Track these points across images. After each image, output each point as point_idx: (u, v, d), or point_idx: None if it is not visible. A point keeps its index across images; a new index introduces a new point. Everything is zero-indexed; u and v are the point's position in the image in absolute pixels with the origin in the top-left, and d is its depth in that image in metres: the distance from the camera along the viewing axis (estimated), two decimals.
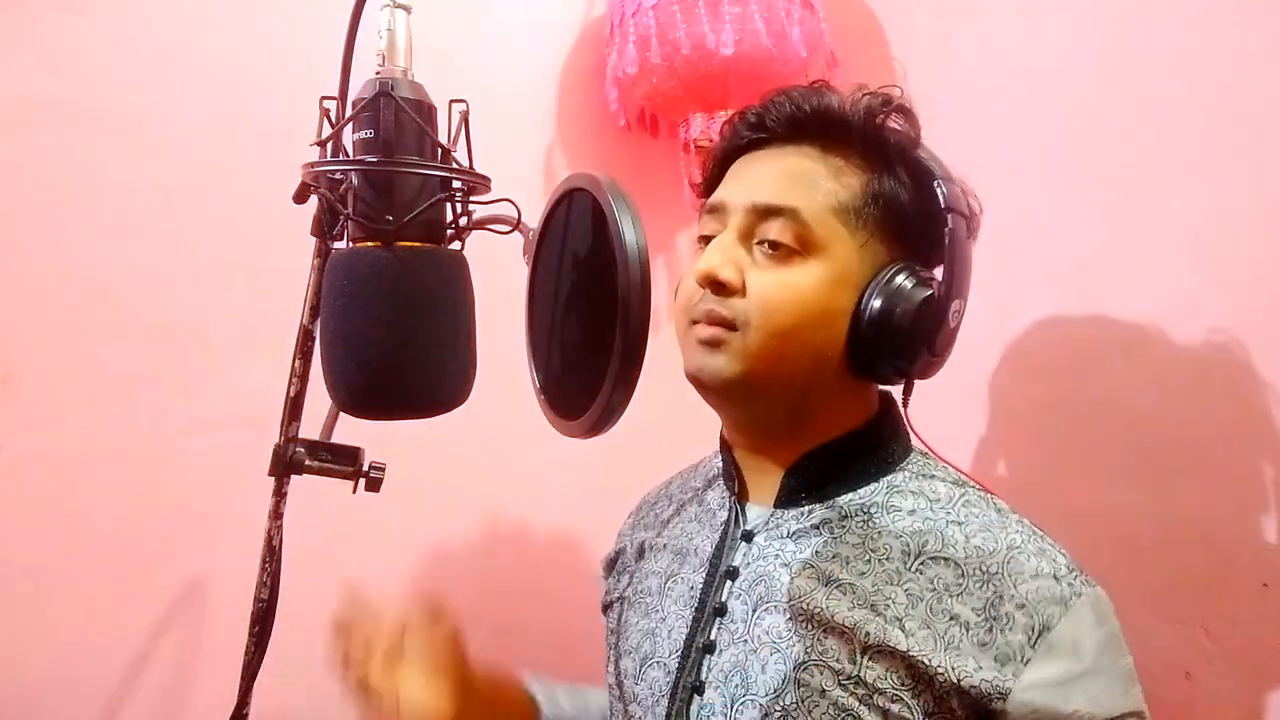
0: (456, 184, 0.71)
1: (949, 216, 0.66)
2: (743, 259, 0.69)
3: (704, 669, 0.69)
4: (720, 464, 0.80)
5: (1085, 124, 1.03)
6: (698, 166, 1.30)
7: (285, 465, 0.76)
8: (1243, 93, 0.90)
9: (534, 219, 0.76)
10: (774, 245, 0.68)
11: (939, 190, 0.67)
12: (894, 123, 0.70)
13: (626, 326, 0.60)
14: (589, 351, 0.66)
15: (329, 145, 0.69)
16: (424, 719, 0.70)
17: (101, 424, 1.01)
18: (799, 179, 0.69)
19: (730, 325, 0.67)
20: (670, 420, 1.33)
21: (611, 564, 0.89)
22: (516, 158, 1.28)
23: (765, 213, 0.68)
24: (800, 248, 0.67)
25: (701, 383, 0.70)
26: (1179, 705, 0.91)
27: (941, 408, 1.17)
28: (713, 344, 0.68)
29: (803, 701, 0.63)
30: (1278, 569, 0.86)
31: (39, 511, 0.99)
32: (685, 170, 1.30)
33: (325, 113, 0.70)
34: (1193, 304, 0.92)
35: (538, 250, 0.76)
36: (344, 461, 0.77)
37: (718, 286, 0.68)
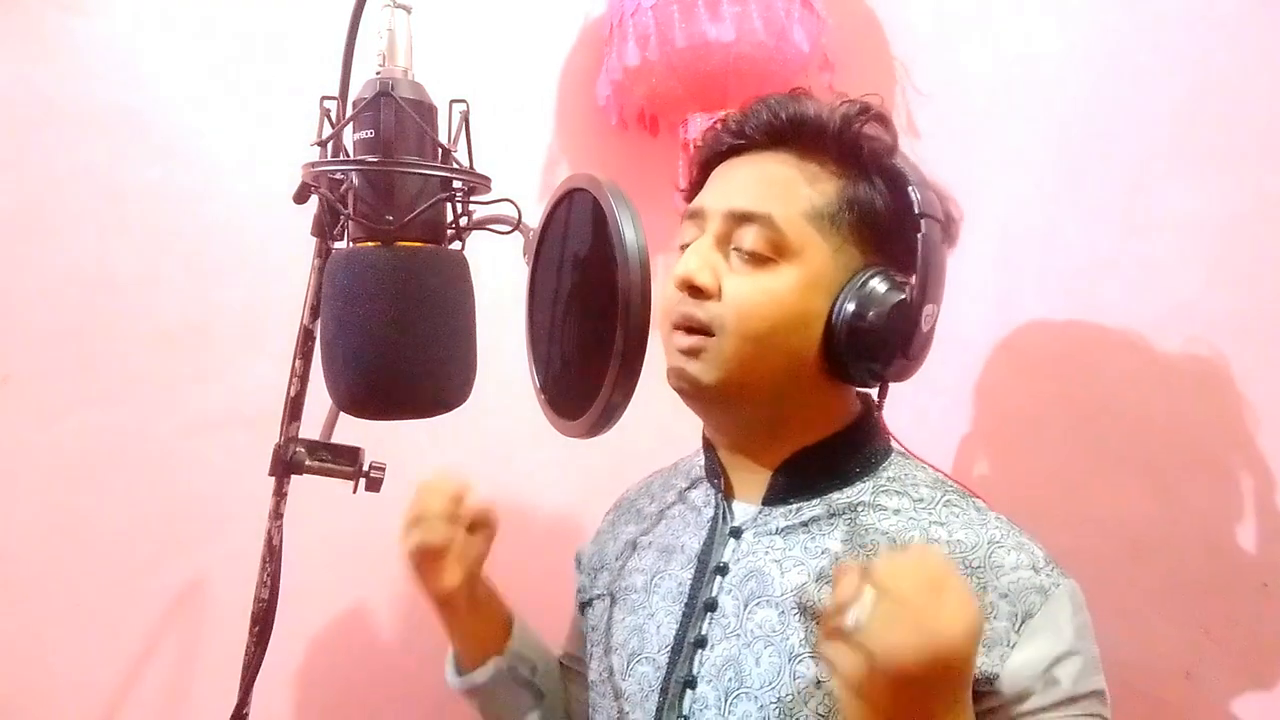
0: (457, 184, 0.71)
1: (922, 222, 0.67)
2: (719, 264, 0.70)
3: (696, 663, 0.70)
4: (703, 462, 0.81)
5: (1085, 124, 1.03)
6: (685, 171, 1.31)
7: (285, 465, 0.76)
8: (1243, 93, 0.90)
9: (534, 219, 0.76)
10: (749, 251, 0.69)
11: (913, 195, 0.68)
12: (871, 130, 0.71)
13: (626, 326, 0.60)
14: (589, 351, 0.66)
15: (329, 145, 0.69)
16: (435, 588, 0.77)
17: (101, 424, 1.01)
18: (774, 185, 0.70)
19: (706, 329, 0.69)
20: (670, 420, 1.33)
21: (587, 563, 0.89)
22: (516, 158, 1.28)
23: (741, 218, 0.70)
24: (775, 253, 0.69)
25: (681, 390, 0.72)
26: (1179, 705, 0.91)
27: (941, 407, 1.18)
28: (690, 353, 0.69)
29: (799, 693, 0.65)
30: (1278, 569, 0.86)
31: (39, 511, 0.99)
32: (684, 170, 1.31)
33: (325, 113, 0.70)
34: (1193, 304, 0.92)
35: (538, 250, 0.76)
36: (344, 461, 0.77)
37: (694, 290, 0.69)
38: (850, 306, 0.68)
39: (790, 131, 0.72)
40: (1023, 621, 0.63)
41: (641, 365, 0.62)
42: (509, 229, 0.76)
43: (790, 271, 0.68)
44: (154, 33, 1.03)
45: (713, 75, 1.19)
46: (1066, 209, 1.04)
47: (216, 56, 1.07)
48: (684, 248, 0.74)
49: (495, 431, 1.20)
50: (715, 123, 0.78)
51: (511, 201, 0.74)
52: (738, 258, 0.70)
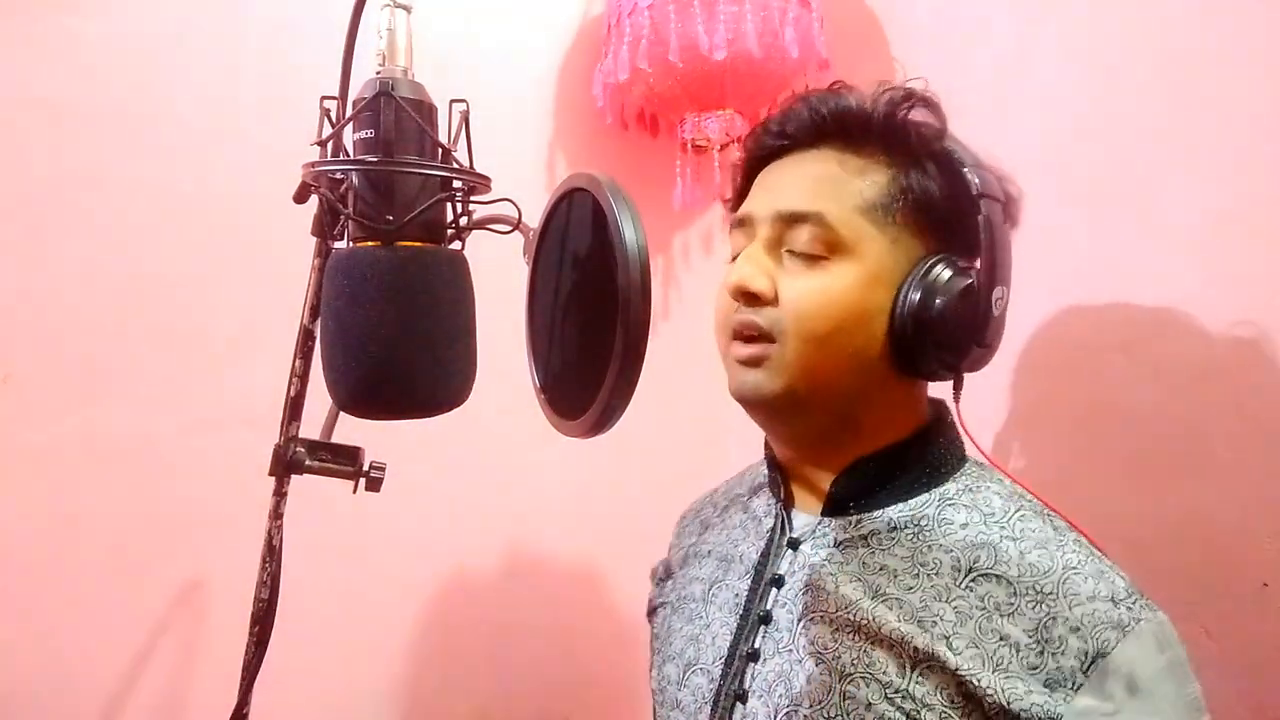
0: (457, 184, 0.71)
1: (982, 203, 0.65)
2: (772, 268, 0.68)
3: (748, 677, 0.69)
4: (766, 471, 0.79)
5: (1085, 123, 1.03)
6: (692, 165, 1.31)
7: (285, 465, 0.76)
8: (1243, 92, 0.90)
9: (534, 219, 0.76)
10: (803, 252, 0.67)
11: (969, 177, 0.66)
12: (918, 115, 0.69)
13: (626, 326, 0.60)
14: (589, 351, 0.66)
15: (329, 145, 0.69)
16: None
17: (101, 424, 1.01)
18: (822, 182, 0.69)
19: (767, 337, 0.67)
20: (671, 420, 1.33)
21: (660, 576, 0.88)
22: (516, 158, 1.28)
23: (791, 220, 0.68)
24: (829, 251, 0.67)
25: (746, 400, 0.69)
26: None
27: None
28: (752, 362, 0.67)
29: (848, 714, 0.62)
30: (1278, 569, 0.86)
31: (38, 511, 0.99)
32: (681, 170, 1.31)
33: (325, 112, 0.70)
34: (1193, 303, 0.92)
35: (538, 250, 0.76)
36: (344, 461, 0.77)
37: (750, 298, 0.67)
38: (915, 296, 0.65)
39: (833, 126, 0.70)
40: (1093, 662, 0.58)
41: (641, 365, 0.62)
42: (509, 229, 0.76)
43: (847, 268, 0.66)
44: (154, 33, 1.03)
45: (709, 75, 1.19)
46: (1066, 209, 1.04)
47: (217, 56, 1.07)
48: (734, 256, 0.72)
49: (495, 431, 1.20)
50: (755, 127, 0.76)
51: (511, 201, 0.74)
52: (791, 260, 0.68)
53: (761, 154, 0.75)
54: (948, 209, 0.68)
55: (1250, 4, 0.89)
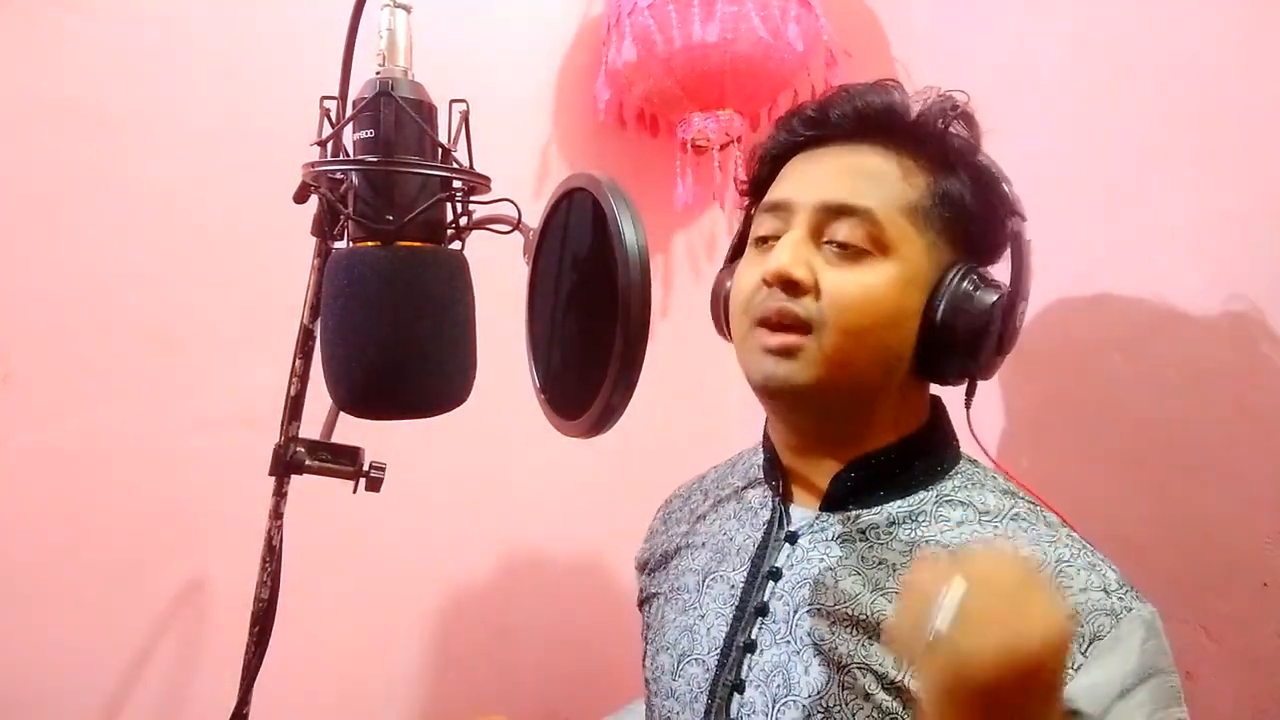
0: (457, 184, 0.71)
1: (1013, 220, 0.67)
2: (813, 258, 0.67)
3: (744, 667, 0.69)
4: (761, 461, 0.79)
5: (1085, 123, 1.03)
6: (692, 165, 1.31)
7: (285, 465, 0.76)
8: (1243, 92, 0.90)
9: (534, 219, 0.76)
10: (844, 245, 0.67)
11: (1008, 192, 0.68)
12: (956, 128, 0.70)
13: (626, 326, 0.60)
14: (589, 351, 0.66)
15: (329, 145, 0.69)
16: None
17: (101, 424, 1.01)
18: (870, 178, 0.68)
19: (805, 327, 0.66)
20: (671, 420, 1.33)
21: (644, 564, 0.88)
22: (516, 158, 1.28)
23: (837, 211, 0.67)
24: (872, 248, 0.67)
25: (770, 391, 0.69)
26: None
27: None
28: (784, 352, 0.66)
29: (846, 704, 0.63)
30: (1278, 569, 0.86)
31: (39, 511, 0.99)
32: (681, 170, 1.31)
33: (325, 113, 0.70)
34: (1193, 303, 0.92)
35: (538, 250, 0.76)
36: (344, 461, 0.77)
37: (790, 285, 0.66)
38: (951, 304, 0.66)
39: (879, 123, 0.70)
40: (1090, 644, 0.59)
41: (641, 365, 0.62)
42: (509, 229, 0.76)
43: (888, 267, 0.66)
44: (154, 33, 1.03)
45: (709, 75, 1.19)
46: (1066, 208, 1.04)
47: (217, 56, 1.07)
48: (760, 240, 0.72)
49: (495, 431, 1.20)
50: (785, 115, 0.76)
51: (511, 201, 0.74)
52: (831, 252, 0.67)
53: (793, 142, 0.74)
54: (978, 220, 0.69)
55: (1250, 4, 0.89)
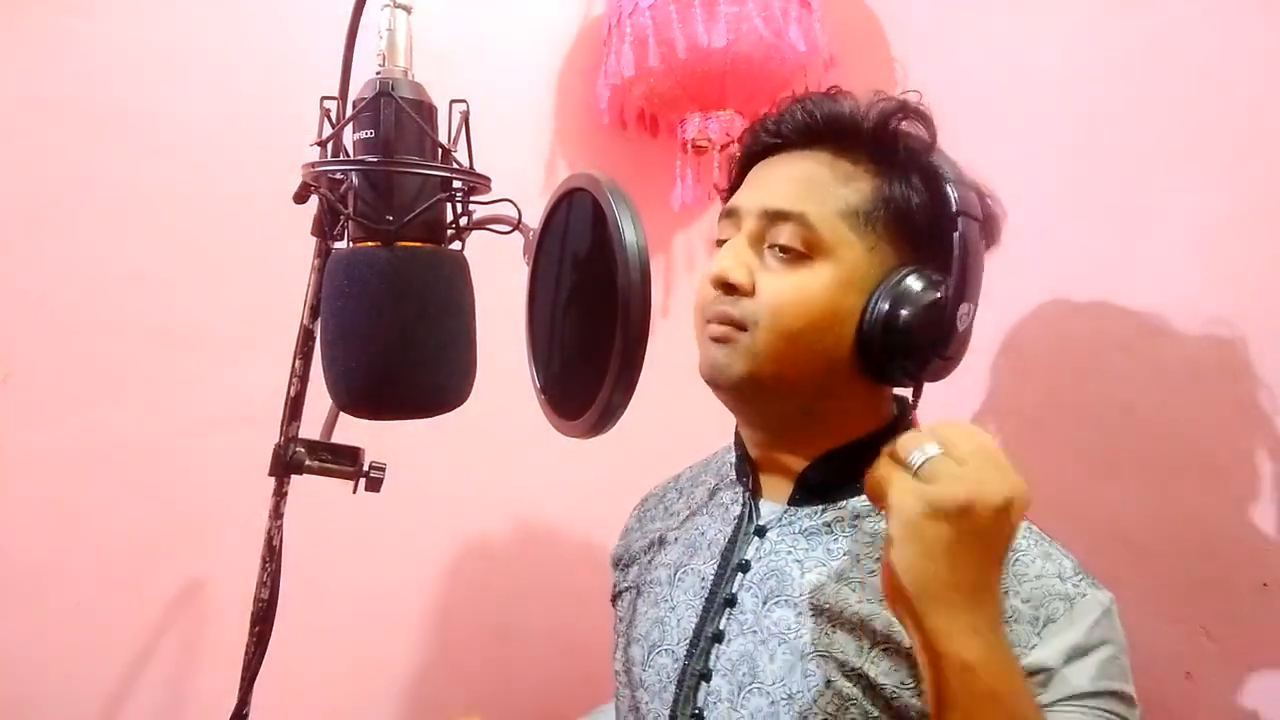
0: (457, 184, 0.71)
1: (959, 220, 0.66)
2: (753, 262, 0.70)
3: (712, 657, 0.71)
4: (734, 460, 0.81)
5: (1085, 123, 1.03)
6: (692, 165, 1.31)
7: (285, 465, 0.76)
8: (1243, 93, 0.90)
9: (534, 219, 0.76)
10: (784, 249, 0.69)
11: (949, 193, 0.67)
12: (909, 127, 0.71)
13: (626, 326, 0.60)
14: (589, 351, 0.66)
15: (329, 145, 0.69)
16: None
17: (101, 424, 1.01)
18: (808, 184, 0.70)
19: (740, 325, 0.69)
20: (671, 420, 1.33)
21: (618, 560, 0.90)
22: (516, 158, 1.28)
23: (775, 217, 0.70)
24: (808, 251, 0.69)
25: (713, 380, 0.72)
26: (1179, 705, 0.91)
27: (941, 407, 1.17)
28: (722, 341, 0.70)
29: (809, 690, 0.65)
30: (1278, 569, 0.86)
31: (39, 511, 0.99)
32: (681, 170, 1.31)
33: (325, 113, 0.70)
34: (1193, 303, 0.92)
35: (538, 250, 0.76)
36: (344, 461, 0.77)
37: (729, 288, 0.70)
38: (884, 305, 0.67)
39: (826, 130, 0.72)
40: (1044, 625, 0.62)
41: (641, 365, 0.62)
42: (509, 229, 0.76)
43: (824, 270, 0.68)
44: (154, 33, 1.03)
45: (710, 75, 1.19)
46: (1066, 209, 1.04)
47: (217, 56, 1.07)
48: (720, 243, 0.75)
49: (495, 431, 1.20)
50: (753, 123, 0.78)
51: (511, 201, 0.74)
52: (772, 256, 0.70)
53: (756, 150, 0.77)
54: (927, 222, 0.70)
55: (1250, 5, 0.89)
